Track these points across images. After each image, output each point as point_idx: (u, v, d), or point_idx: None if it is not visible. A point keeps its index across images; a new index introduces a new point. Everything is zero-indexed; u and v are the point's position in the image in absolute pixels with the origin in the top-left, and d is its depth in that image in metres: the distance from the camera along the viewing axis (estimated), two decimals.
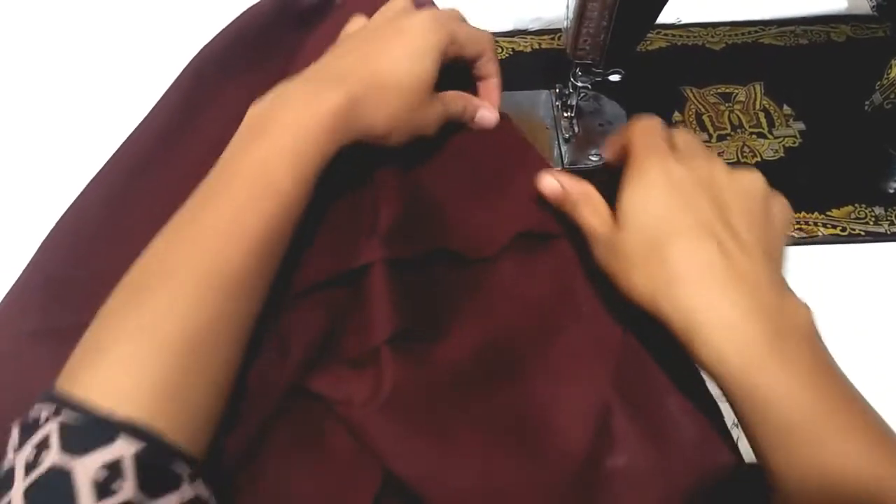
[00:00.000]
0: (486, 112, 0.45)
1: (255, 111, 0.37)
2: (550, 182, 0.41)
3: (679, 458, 0.37)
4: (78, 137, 0.53)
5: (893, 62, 0.51)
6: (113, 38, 0.60)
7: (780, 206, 0.37)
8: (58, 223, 0.44)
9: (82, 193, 0.45)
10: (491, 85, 0.46)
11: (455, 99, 0.43)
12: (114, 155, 0.47)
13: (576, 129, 0.52)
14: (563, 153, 0.52)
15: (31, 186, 0.51)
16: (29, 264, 0.43)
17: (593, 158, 0.51)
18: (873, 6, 0.58)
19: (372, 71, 0.38)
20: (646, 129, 0.39)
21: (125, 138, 0.48)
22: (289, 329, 0.37)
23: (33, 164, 0.53)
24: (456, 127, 0.45)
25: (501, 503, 0.35)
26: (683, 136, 0.39)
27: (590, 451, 0.36)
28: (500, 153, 0.45)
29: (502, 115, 0.46)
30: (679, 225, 0.35)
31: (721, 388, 0.33)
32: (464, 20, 0.44)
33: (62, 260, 0.43)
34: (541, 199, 0.42)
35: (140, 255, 0.34)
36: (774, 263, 0.35)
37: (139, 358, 0.29)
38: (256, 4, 0.52)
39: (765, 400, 0.31)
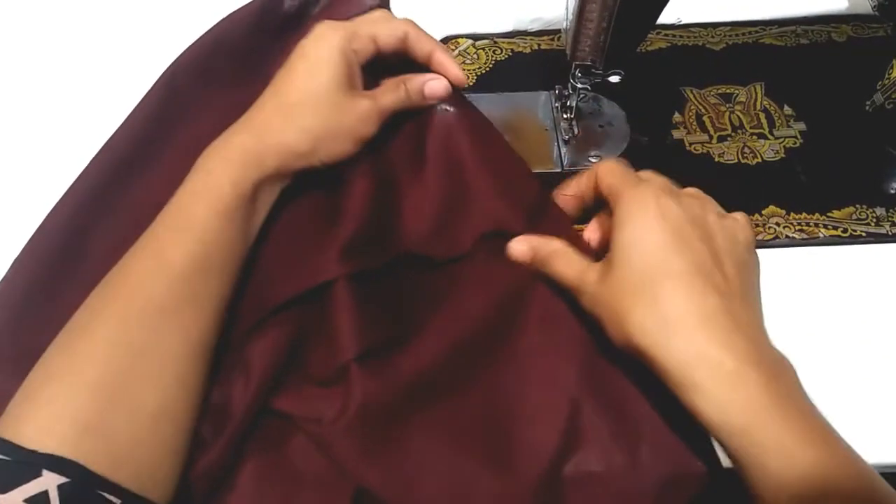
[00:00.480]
0: (433, 82, 0.44)
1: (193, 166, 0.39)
2: (517, 248, 0.41)
3: (651, 459, 0.36)
4: (51, 151, 0.52)
5: (894, 62, 0.51)
6: (86, 49, 0.59)
7: (756, 257, 0.37)
8: (28, 242, 0.44)
9: (53, 210, 0.45)
10: (437, 59, 0.44)
11: (389, 89, 0.43)
12: (85, 168, 0.46)
13: (575, 130, 0.52)
14: (563, 154, 0.52)
15: (5, 200, 0.51)
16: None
17: (593, 160, 0.51)
18: (874, 6, 0.58)
19: (277, 99, 0.40)
20: (621, 168, 0.39)
21: (98, 151, 0.47)
22: (251, 352, 0.37)
23: (7, 175, 0.52)
24: (417, 125, 0.44)
25: None
26: (660, 177, 0.39)
27: (558, 452, 0.36)
28: (465, 150, 0.44)
29: (463, 101, 0.45)
30: (675, 265, 0.34)
31: (719, 440, 0.32)
32: (379, 19, 0.43)
33: (29, 284, 0.42)
34: (507, 198, 0.42)
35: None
36: (760, 312, 0.35)
37: (64, 397, 0.31)
38: (233, 13, 0.52)
39: (767, 454, 0.30)
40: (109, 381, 0.31)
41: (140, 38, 0.59)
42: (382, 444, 0.36)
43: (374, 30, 0.42)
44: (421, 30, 0.43)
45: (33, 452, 0.29)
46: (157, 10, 0.62)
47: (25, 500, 0.27)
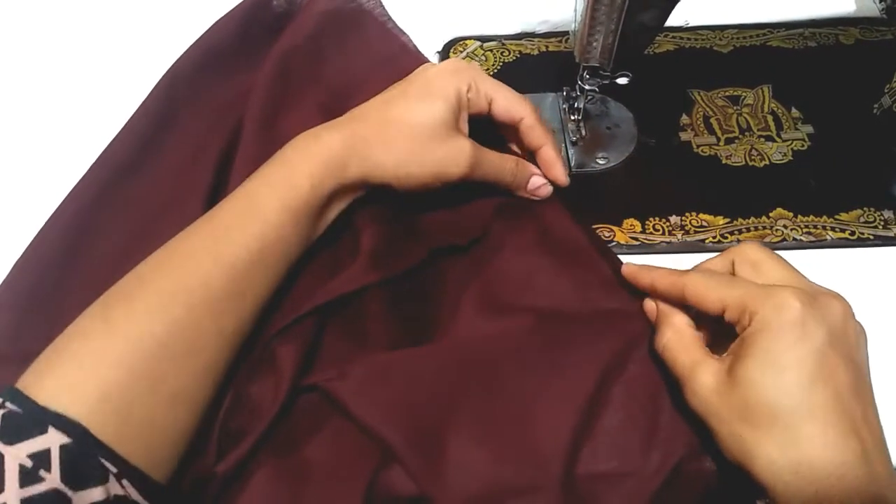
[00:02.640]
0: (543, 184, 0.45)
1: (278, 152, 0.40)
2: (647, 305, 0.40)
3: (661, 451, 0.37)
4: (54, 154, 0.52)
5: None
6: (88, 54, 0.60)
7: None
8: (30, 244, 0.44)
9: (55, 212, 0.45)
10: (545, 156, 0.45)
11: (497, 155, 0.43)
12: (87, 171, 0.47)
13: (583, 132, 0.52)
14: (570, 156, 0.52)
15: (6, 201, 0.51)
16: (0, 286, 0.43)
17: (600, 161, 0.51)
18: (882, 9, 0.58)
19: (382, 113, 0.40)
20: (727, 277, 0.36)
21: (99, 154, 0.47)
22: (281, 352, 0.38)
23: (8, 177, 0.52)
24: None
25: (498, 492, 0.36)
26: (787, 268, 0.36)
27: (572, 445, 0.36)
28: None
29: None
30: (817, 401, 0.31)
31: None
32: (508, 90, 0.44)
33: (32, 284, 0.43)
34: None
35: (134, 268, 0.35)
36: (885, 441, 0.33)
37: (91, 360, 0.31)
38: (226, 16, 0.53)
39: None
40: (139, 356, 0.32)
41: (140, 44, 0.60)
42: (405, 403, 0.37)
43: (496, 94, 0.43)
44: (540, 119, 0.44)
45: (44, 409, 0.29)
46: (156, 16, 0.62)
47: (29, 455, 0.28)
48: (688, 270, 0.38)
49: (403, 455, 0.35)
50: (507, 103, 0.43)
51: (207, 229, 0.36)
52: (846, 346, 0.33)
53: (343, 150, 0.38)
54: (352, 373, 0.37)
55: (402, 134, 0.40)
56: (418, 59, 0.53)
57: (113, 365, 0.31)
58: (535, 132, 0.44)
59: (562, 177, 0.45)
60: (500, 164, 0.43)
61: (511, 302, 0.41)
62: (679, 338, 0.37)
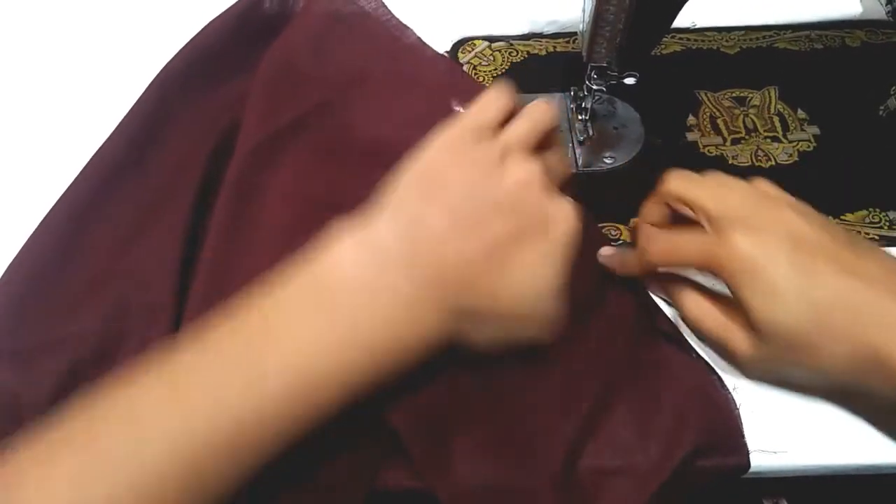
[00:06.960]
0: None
1: (335, 273, 0.31)
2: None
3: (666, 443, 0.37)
4: (49, 153, 0.52)
5: None
6: (83, 56, 0.60)
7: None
8: (25, 244, 0.44)
9: (50, 212, 0.45)
10: None
11: None
12: (81, 172, 0.47)
13: (590, 131, 0.53)
14: (578, 156, 0.52)
15: (1, 202, 0.51)
16: None
17: (607, 161, 0.52)
18: (888, 11, 0.58)
19: (490, 293, 0.31)
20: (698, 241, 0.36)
21: (92, 155, 0.48)
22: None
23: (2, 178, 0.52)
24: None
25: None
26: (703, 185, 0.38)
27: (575, 440, 0.37)
28: None
29: None
30: (823, 295, 0.32)
31: None
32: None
33: (26, 281, 0.43)
34: None
35: (117, 382, 0.30)
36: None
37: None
38: (218, 17, 0.53)
39: None
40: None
41: (132, 45, 0.60)
42: (415, 390, 0.36)
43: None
44: None
45: None
46: (148, 17, 0.62)
47: None
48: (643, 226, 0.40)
49: (409, 440, 0.35)
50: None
51: (230, 396, 0.29)
52: (813, 231, 0.34)
53: (433, 347, 0.32)
54: None
55: (499, 327, 0.33)
56: (420, 56, 0.53)
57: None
58: None
59: None
60: None
61: None
62: (699, 309, 0.37)
